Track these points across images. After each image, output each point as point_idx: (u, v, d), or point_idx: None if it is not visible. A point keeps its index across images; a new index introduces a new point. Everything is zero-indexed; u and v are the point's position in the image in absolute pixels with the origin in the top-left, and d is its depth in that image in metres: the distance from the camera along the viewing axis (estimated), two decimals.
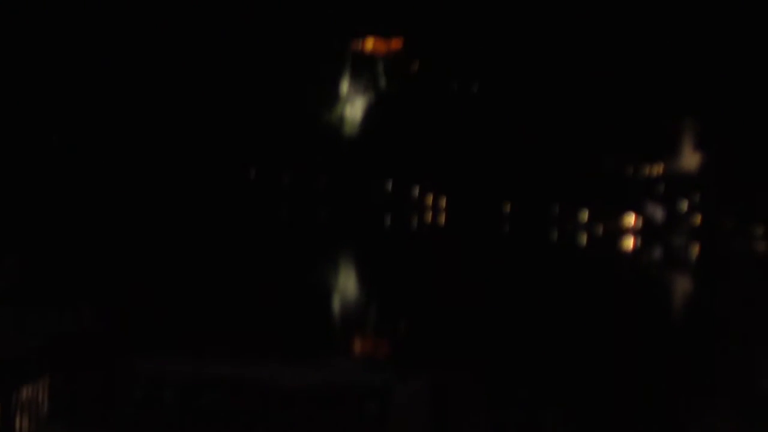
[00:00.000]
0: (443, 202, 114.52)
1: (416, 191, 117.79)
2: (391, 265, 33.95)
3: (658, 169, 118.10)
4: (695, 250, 70.48)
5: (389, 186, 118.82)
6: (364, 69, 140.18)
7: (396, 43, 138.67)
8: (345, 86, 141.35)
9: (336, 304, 21.57)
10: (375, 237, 55.67)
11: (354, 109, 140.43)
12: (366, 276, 29.92)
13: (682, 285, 37.42)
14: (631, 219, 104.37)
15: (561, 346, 16.64)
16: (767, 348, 17.72)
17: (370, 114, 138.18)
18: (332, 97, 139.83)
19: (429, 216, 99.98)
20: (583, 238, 75.77)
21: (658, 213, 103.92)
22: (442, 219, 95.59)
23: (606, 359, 15.42)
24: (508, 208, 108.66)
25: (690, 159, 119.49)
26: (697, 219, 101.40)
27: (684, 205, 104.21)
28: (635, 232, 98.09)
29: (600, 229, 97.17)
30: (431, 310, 20.78)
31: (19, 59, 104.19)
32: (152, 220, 49.22)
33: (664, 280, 39.77)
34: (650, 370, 14.68)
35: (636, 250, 66.11)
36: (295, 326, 16.70)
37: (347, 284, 26.82)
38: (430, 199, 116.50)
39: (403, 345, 16.36)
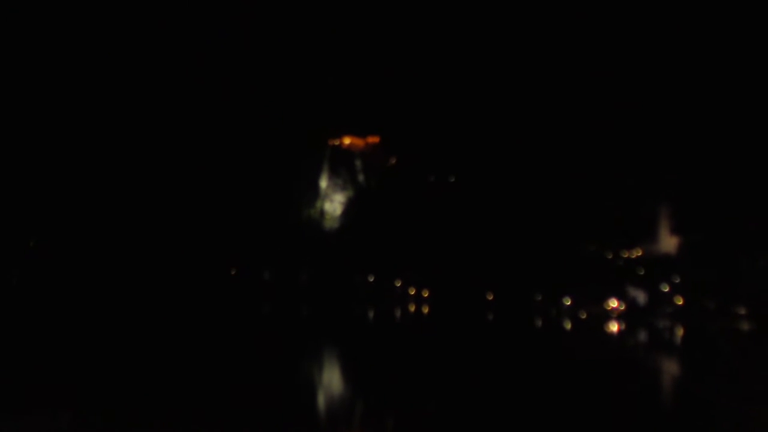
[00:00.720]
0: (426, 293, 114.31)
1: (399, 283, 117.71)
2: (375, 360, 33.58)
3: (637, 253, 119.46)
4: (680, 331, 70.45)
5: (371, 279, 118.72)
6: (342, 166, 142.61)
7: (372, 140, 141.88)
8: (324, 183, 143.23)
9: (321, 403, 21.19)
10: (358, 332, 55.17)
11: (333, 204, 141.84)
12: (350, 372, 29.54)
13: (669, 367, 37.26)
14: (614, 303, 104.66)
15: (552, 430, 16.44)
16: (753, 428, 17.61)
17: (349, 209, 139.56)
18: (312, 194, 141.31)
19: (412, 307, 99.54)
20: (568, 324, 75.58)
21: (640, 296, 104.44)
22: (426, 309, 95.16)
23: None
24: (491, 296, 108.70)
25: (667, 243, 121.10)
26: (679, 301, 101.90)
27: (665, 288, 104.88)
28: (619, 315, 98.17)
29: (584, 314, 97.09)
30: (419, 405, 20.49)
31: None
32: (133, 319, 48.56)
33: (650, 363, 39.61)
34: None
35: (621, 333, 65.99)
36: (280, 426, 16.40)
37: (331, 382, 26.42)
38: (413, 291, 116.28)
39: None
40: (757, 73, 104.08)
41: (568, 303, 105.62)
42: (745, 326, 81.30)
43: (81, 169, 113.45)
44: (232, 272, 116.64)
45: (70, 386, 19.69)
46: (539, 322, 75.07)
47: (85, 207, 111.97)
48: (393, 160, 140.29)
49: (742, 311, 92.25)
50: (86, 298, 72.20)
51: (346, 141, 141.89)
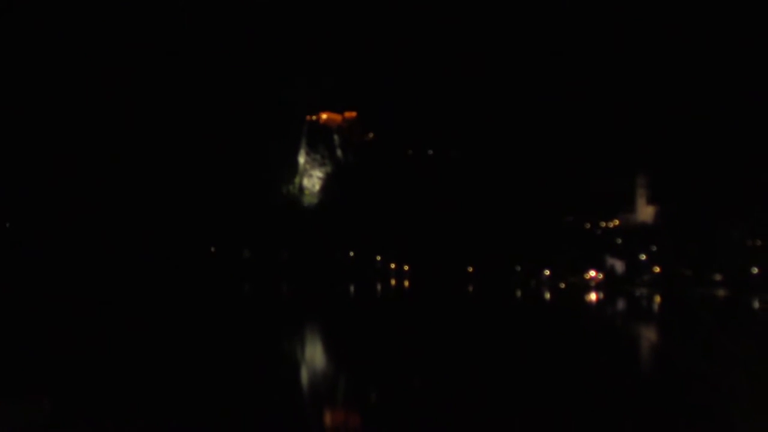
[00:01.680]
0: (407, 267, 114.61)
1: (379, 258, 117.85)
2: (357, 336, 33.64)
3: (614, 223, 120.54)
4: (658, 299, 71.37)
5: (352, 255, 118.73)
6: (320, 142, 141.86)
7: (350, 116, 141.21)
8: (302, 159, 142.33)
9: (303, 382, 21.16)
10: (340, 307, 55.24)
11: (312, 180, 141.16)
12: (332, 349, 29.55)
13: (647, 335, 37.73)
14: (592, 273, 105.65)
15: (534, 404, 16.58)
16: (731, 397, 17.86)
17: (328, 185, 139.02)
18: (290, 171, 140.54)
19: (393, 281, 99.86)
20: (548, 294, 76.26)
21: (618, 265, 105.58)
22: (407, 283, 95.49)
23: (581, 414, 15.40)
24: (471, 269, 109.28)
25: (644, 212, 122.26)
26: (657, 269, 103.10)
27: (643, 257, 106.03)
28: (598, 285, 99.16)
29: (563, 285, 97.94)
30: (402, 380, 20.53)
31: None
32: (113, 301, 48.21)
33: (629, 331, 40.10)
34: (619, 420, 14.71)
35: (600, 302, 66.72)
36: (264, 407, 16.35)
37: (313, 360, 26.41)
38: (393, 265, 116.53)
39: (374, 418, 16.09)
40: (729, 51, 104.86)
41: (548, 274, 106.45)
42: (721, 293, 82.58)
43: (56, 150, 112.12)
44: (212, 250, 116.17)
45: (49, 372, 19.48)
46: (519, 294, 75.64)
47: (62, 188, 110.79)
48: (371, 135, 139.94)
49: (718, 278, 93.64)
50: (64, 277, 71.49)
51: (324, 117, 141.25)
